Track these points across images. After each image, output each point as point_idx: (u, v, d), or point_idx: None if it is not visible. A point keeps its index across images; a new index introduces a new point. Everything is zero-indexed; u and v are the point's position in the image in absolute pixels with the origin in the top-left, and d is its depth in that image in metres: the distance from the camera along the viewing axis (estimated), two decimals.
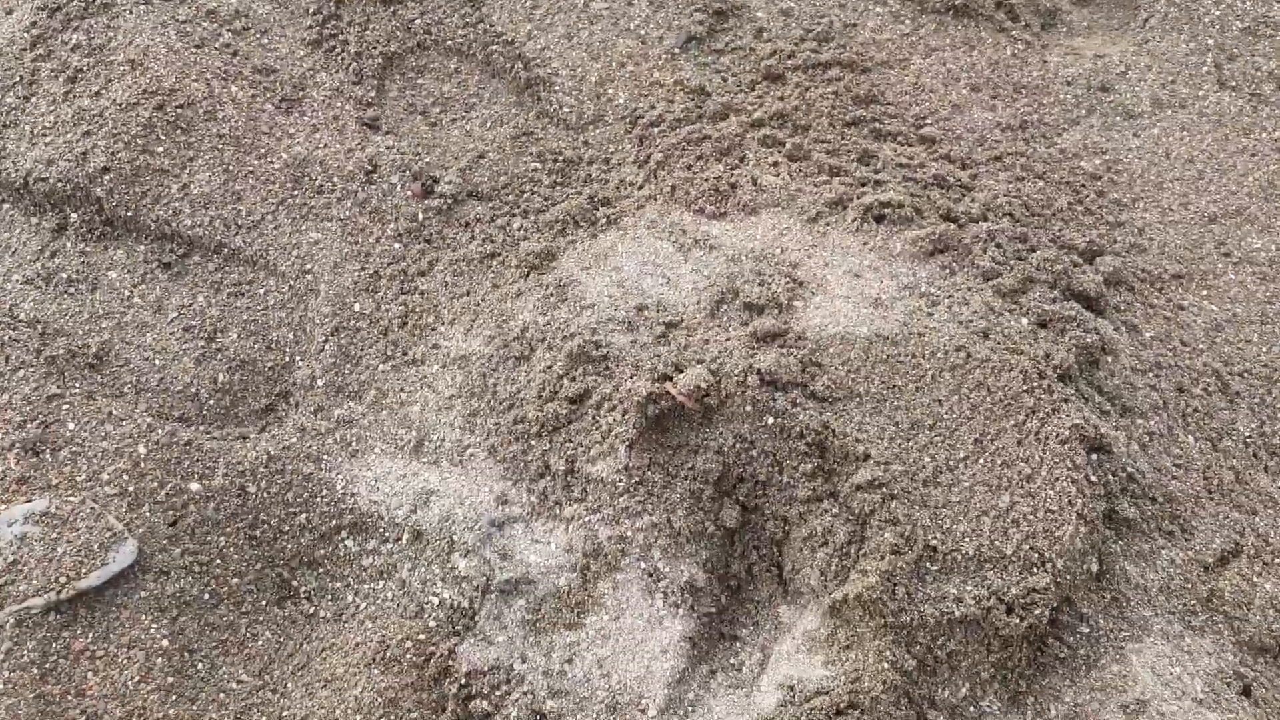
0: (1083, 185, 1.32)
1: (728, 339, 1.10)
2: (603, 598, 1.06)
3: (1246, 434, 1.15)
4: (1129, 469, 1.07)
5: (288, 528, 1.13)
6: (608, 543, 1.06)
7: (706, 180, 1.26)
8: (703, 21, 1.43)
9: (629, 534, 1.06)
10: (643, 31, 1.44)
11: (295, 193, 1.31)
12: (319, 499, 1.14)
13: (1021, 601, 0.96)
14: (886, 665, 0.96)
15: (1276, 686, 1.01)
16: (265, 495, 1.13)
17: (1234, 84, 1.39)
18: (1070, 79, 1.41)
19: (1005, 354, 1.08)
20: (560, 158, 1.35)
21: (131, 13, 1.41)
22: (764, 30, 1.43)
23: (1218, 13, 1.45)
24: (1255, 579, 1.05)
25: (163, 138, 1.31)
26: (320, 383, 1.21)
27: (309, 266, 1.27)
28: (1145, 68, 1.42)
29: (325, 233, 1.29)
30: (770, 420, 1.06)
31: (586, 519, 1.07)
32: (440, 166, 1.34)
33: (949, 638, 0.97)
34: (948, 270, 1.18)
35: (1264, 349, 1.21)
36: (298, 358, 1.24)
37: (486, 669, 1.03)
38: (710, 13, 1.44)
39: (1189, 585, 1.04)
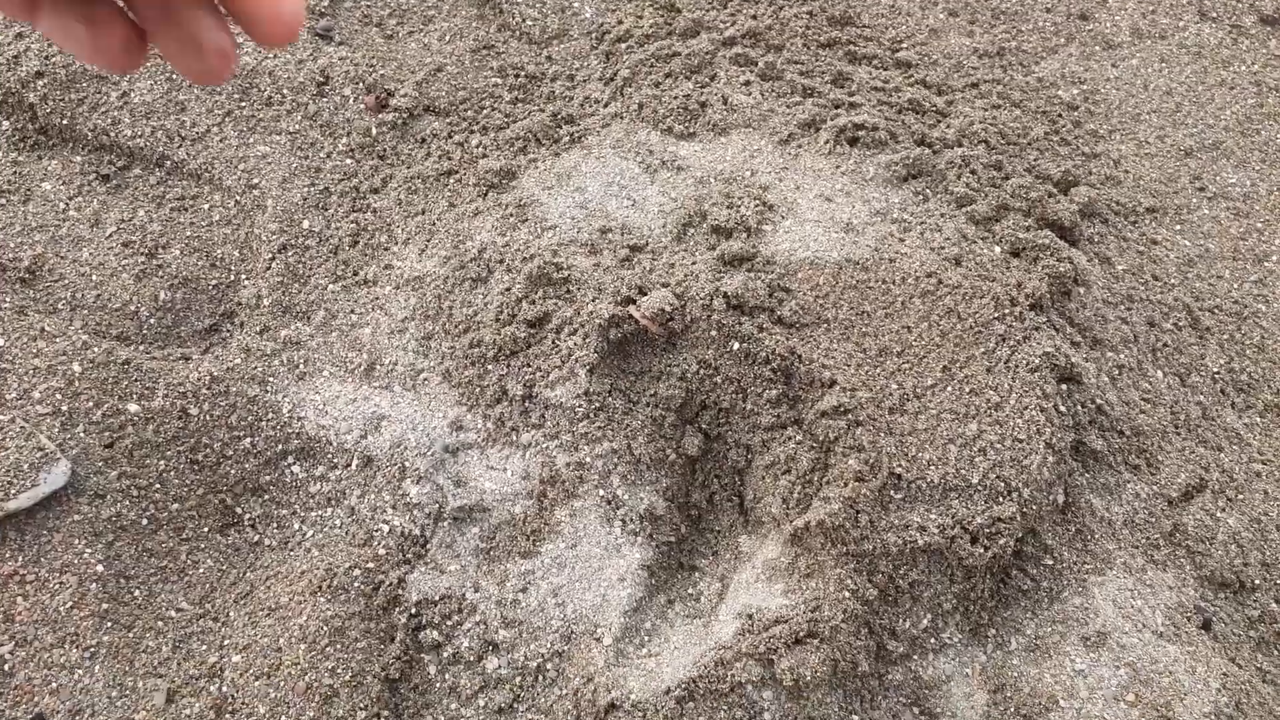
0: (1059, 115, 1.28)
1: (694, 263, 1.07)
2: (559, 525, 1.02)
3: (1215, 370, 1.13)
4: (1098, 401, 1.05)
5: (231, 452, 1.08)
6: (565, 469, 1.03)
7: (675, 99, 1.22)
8: None
9: (588, 460, 1.03)
10: None
11: (242, 104, 1.25)
12: (264, 423, 1.09)
13: (986, 531, 0.94)
14: (847, 594, 0.93)
15: (1235, 621, 1.00)
16: (208, 418, 1.09)
17: (1215, 15, 1.36)
18: (1049, 6, 1.37)
19: (977, 281, 1.05)
20: (522, 73, 1.29)
21: None
22: None
23: None
24: (1218, 514, 1.04)
25: None
26: (266, 302, 1.16)
27: (256, 181, 1.21)
28: None
29: (274, 146, 1.23)
30: (735, 345, 1.02)
31: (544, 445, 1.04)
32: (395, 79, 1.28)
33: (912, 567, 0.95)
34: (921, 196, 1.14)
35: (1235, 285, 1.19)
36: (243, 276, 1.18)
37: (438, 598, 1.00)
38: None
39: (1153, 519, 1.03)
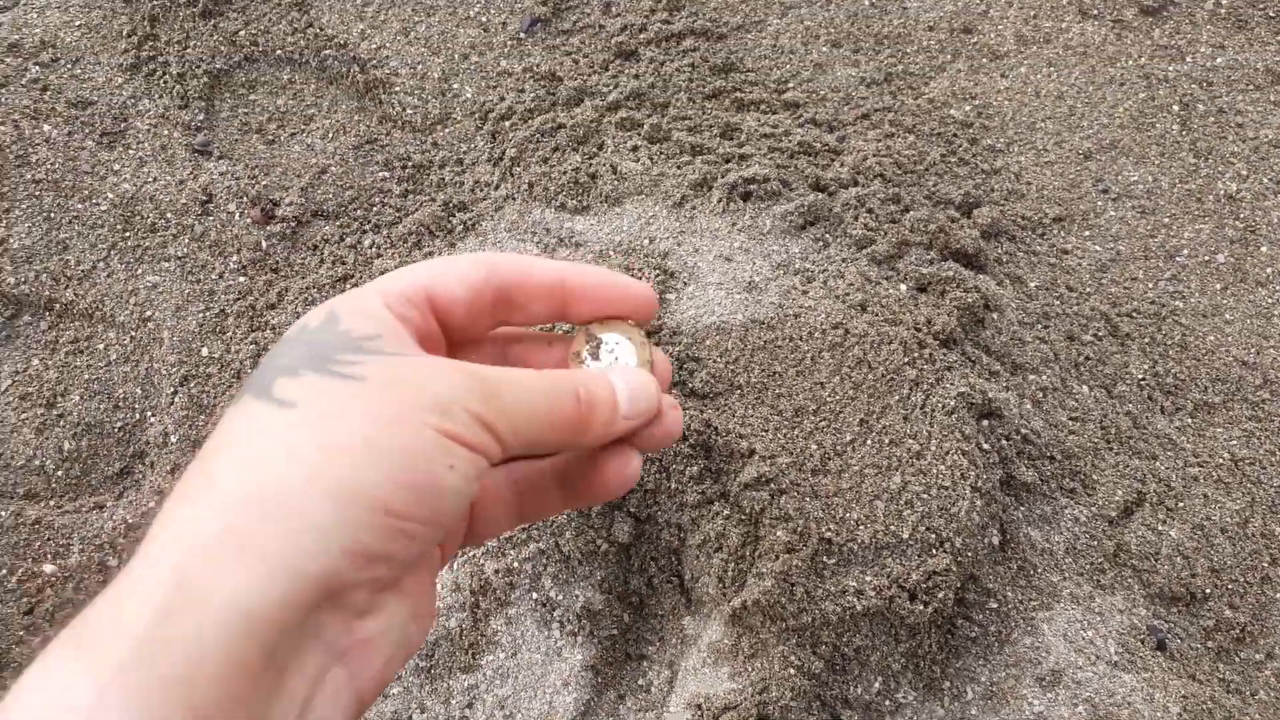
0: (954, 135, 1.27)
1: None
2: (496, 635, 0.99)
3: (1140, 376, 1.12)
4: (1023, 430, 1.04)
5: None
6: (495, 577, 1.00)
7: (565, 173, 1.19)
8: (546, 1, 1.35)
9: (516, 565, 1.00)
10: (484, 19, 1.35)
11: (126, 234, 1.21)
12: None
13: (924, 587, 0.92)
14: (793, 670, 0.91)
15: (1191, 634, 0.99)
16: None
17: (1095, 12, 1.36)
18: (932, 24, 1.36)
19: (884, 326, 1.03)
20: (409, 163, 1.27)
21: None
22: (612, 5, 1.35)
23: None
24: (1160, 527, 1.02)
25: None
26: (174, 438, 1.12)
27: (149, 313, 1.18)
28: (1006, 4, 1.37)
29: (163, 274, 1.19)
30: None
31: (470, 554, 1.01)
32: (281, 187, 1.25)
33: (855, 633, 0.93)
34: (820, 243, 1.13)
35: (1150, 285, 1.18)
36: (149, 413, 1.15)
37: None
38: None
39: (1095, 542, 1.02)
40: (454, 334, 0.56)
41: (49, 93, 1.29)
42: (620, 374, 0.57)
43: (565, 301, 0.58)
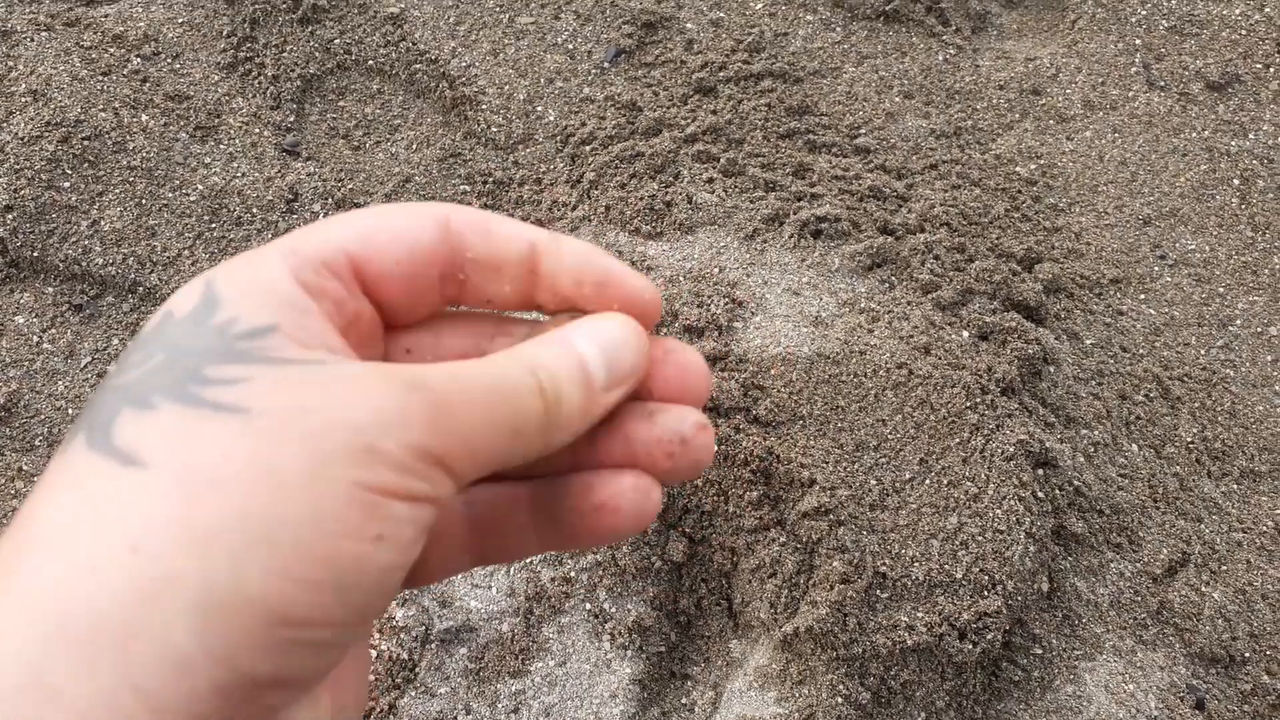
0: (1019, 191, 1.31)
1: None
2: (547, 642, 1.02)
3: (1189, 439, 1.14)
4: (1075, 482, 1.06)
5: None
6: (551, 584, 1.03)
7: (641, 199, 1.23)
8: (632, 34, 1.40)
9: (573, 575, 1.02)
10: (571, 46, 1.40)
11: (213, 225, 1.26)
12: None
13: (974, 626, 0.95)
14: (840, 699, 0.93)
15: (1229, 697, 1.00)
16: None
17: (1162, 84, 1.39)
18: (1002, 83, 1.40)
19: (947, 369, 1.06)
20: (490, 179, 1.31)
21: (33, 40, 1.34)
22: (694, 42, 1.40)
23: (1144, 12, 1.45)
24: (1203, 588, 1.04)
25: (69, 172, 1.24)
26: None
27: None
28: (1075, 70, 1.41)
29: None
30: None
31: (528, 561, 1.04)
32: (364, 193, 1.29)
33: (903, 667, 0.95)
34: (887, 284, 1.16)
35: (1202, 351, 1.21)
36: None
37: None
38: (639, 25, 1.41)
39: (1139, 598, 1.04)
40: (386, 316, 0.42)
41: (148, 84, 1.34)
42: (584, 331, 0.40)
43: (535, 278, 0.42)
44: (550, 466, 0.43)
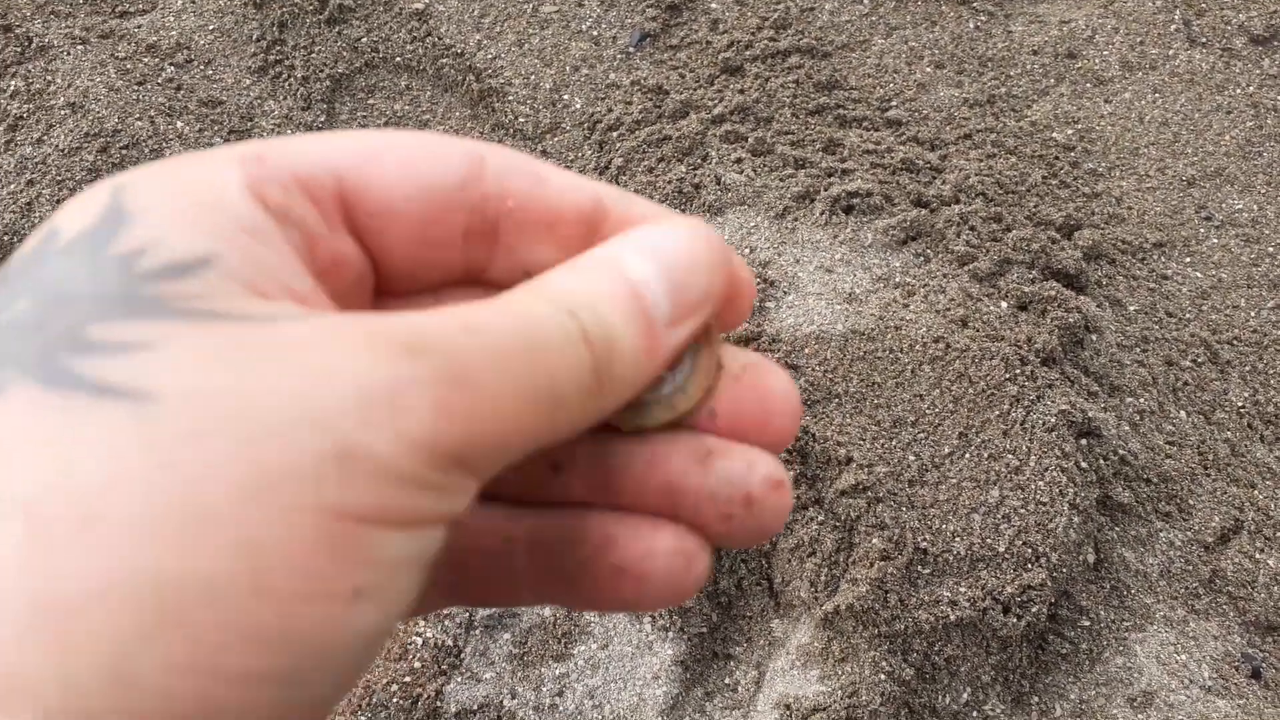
0: (1056, 158, 1.28)
1: None
2: (589, 626, 1.03)
3: (1239, 404, 1.11)
4: (1120, 451, 1.04)
5: None
6: None
7: (670, 182, 1.23)
8: (656, 17, 1.39)
9: None
10: (595, 32, 1.40)
11: None
12: None
13: (1018, 600, 0.93)
14: (883, 676, 0.93)
15: None
16: None
17: (1204, 40, 1.35)
18: (1036, 48, 1.37)
19: (985, 341, 1.04)
20: None
21: (69, 54, 1.37)
22: (719, 22, 1.39)
23: None
24: (1258, 555, 1.02)
25: None
26: None
27: None
28: (1112, 30, 1.38)
29: None
30: None
31: None
32: None
33: (946, 643, 0.94)
34: (922, 258, 1.14)
35: (1252, 314, 1.18)
36: None
37: (476, 707, 1.00)
38: (663, 7, 1.40)
39: (1190, 567, 1.01)
40: (381, 274, 0.30)
41: (182, 92, 1.36)
42: (635, 246, 0.29)
43: (595, 245, 0.30)
44: (560, 493, 0.31)
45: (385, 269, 0.30)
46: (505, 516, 0.31)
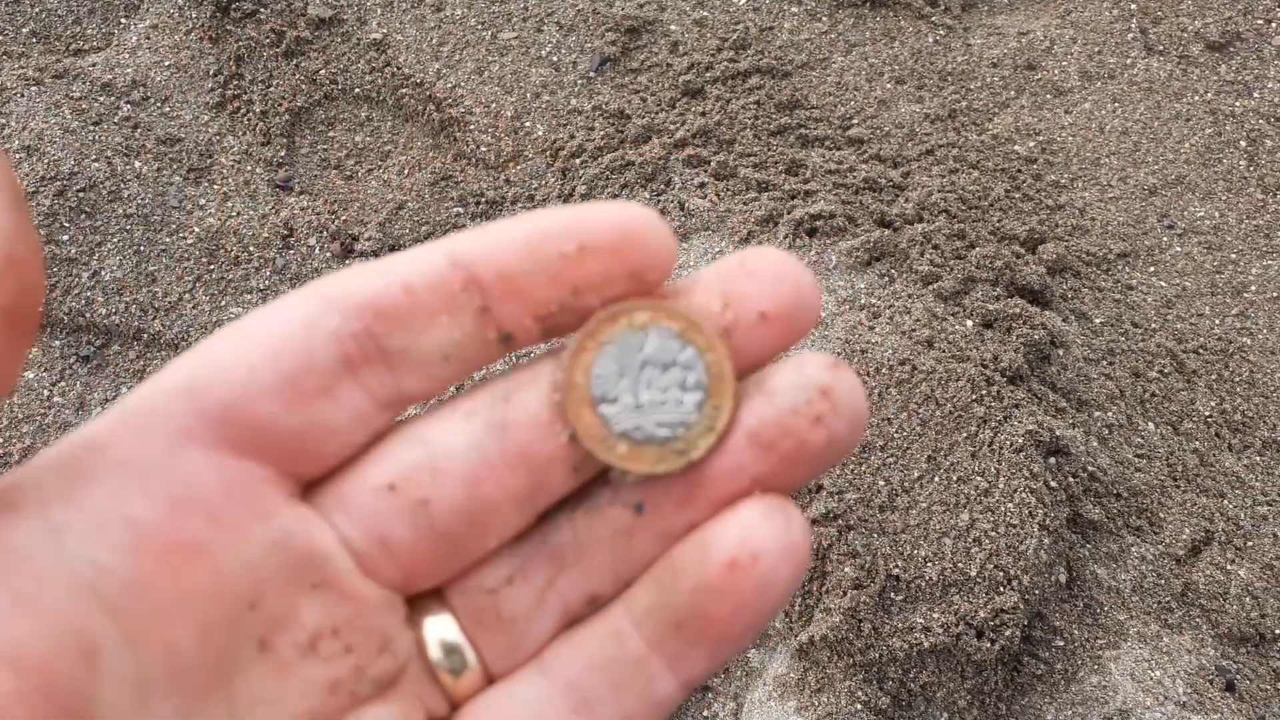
0: (1018, 170, 1.28)
1: None
2: None
3: (1207, 413, 1.12)
4: (1089, 468, 1.04)
5: None
6: None
7: None
8: (615, 41, 1.38)
9: None
10: (555, 58, 1.39)
11: (211, 267, 1.26)
12: None
13: (991, 624, 0.93)
14: (859, 705, 0.92)
15: (1260, 676, 0.98)
16: None
17: (1161, 48, 1.36)
18: (996, 60, 1.38)
19: (951, 362, 1.04)
20: (483, 199, 1.30)
21: (23, 95, 1.35)
22: (679, 44, 1.38)
23: None
24: (1229, 566, 1.02)
25: (67, 225, 1.26)
26: None
27: None
28: (1070, 40, 1.38)
29: (246, 306, 1.24)
30: None
31: None
32: (359, 222, 1.30)
33: (921, 669, 0.94)
34: (886, 278, 1.14)
35: (1216, 321, 1.18)
36: None
37: None
38: (623, 31, 1.40)
39: (1162, 581, 1.02)
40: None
41: (139, 130, 1.35)
42: None
43: (484, 299, 0.28)
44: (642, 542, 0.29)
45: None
46: (534, 549, 0.30)
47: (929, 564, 0.95)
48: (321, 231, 1.28)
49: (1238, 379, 1.14)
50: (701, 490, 0.29)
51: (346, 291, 0.29)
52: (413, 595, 0.31)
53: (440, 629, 0.30)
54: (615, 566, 0.30)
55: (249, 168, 1.33)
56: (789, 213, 1.18)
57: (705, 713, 1.02)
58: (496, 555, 0.30)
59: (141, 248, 1.26)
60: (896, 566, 0.95)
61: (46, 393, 1.21)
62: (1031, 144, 1.31)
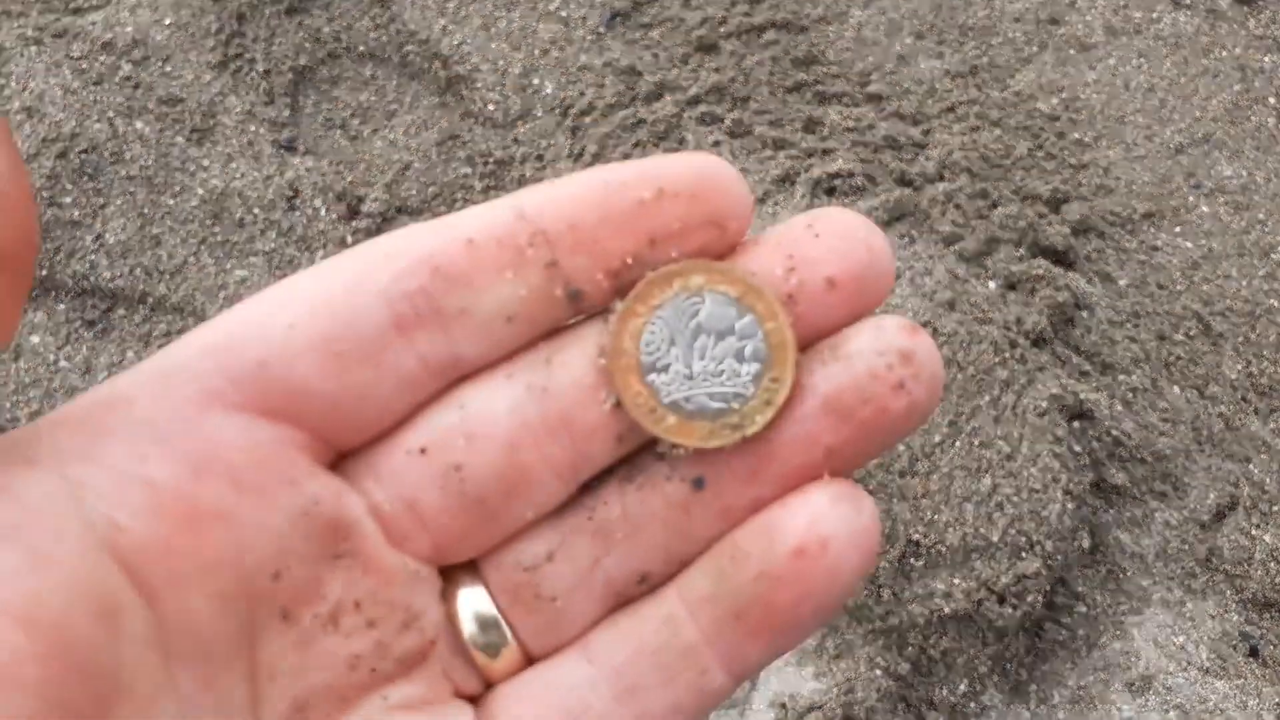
0: (1041, 129, 1.25)
1: None
2: None
3: (1233, 377, 1.09)
4: (1114, 432, 1.02)
5: None
6: None
7: None
8: None
9: None
10: (564, 13, 1.36)
11: (215, 230, 1.24)
12: None
13: (1013, 590, 0.92)
14: (879, 672, 0.91)
15: None
16: None
17: (1188, 2, 1.32)
18: (1018, 15, 1.34)
19: (973, 325, 1.02)
20: (491, 159, 1.28)
21: (22, 55, 1.32)
22: None
23: None
24: (1254, 531, 1.00)
25: (70, 187, 1.23)
26: None
27: None
28: None
29: (251, 269, 1.22)
30: None
31: None
32: (365, 183, 1.27)
33: (941, 636, 0.93)
34: (907, 239, 1.12)
35: (1244, 283, 1.15)
36: None
37: None
38: None
39: (1186, 546, 1.00)
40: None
41: (140, 90, 1.32)
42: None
43: (552, 253, 0.27)
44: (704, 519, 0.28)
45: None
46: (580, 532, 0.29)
47: (950, 529, 0.93)
48: (327, 192, 1.25)
49: (1265, 342, 1.12)
50: (768, 464, 0.27)
51: (403, 247, 0.27)
52: (445, 569, 0.29)
53: (476, 601, 0.29)
54: (669, 545, 0.28)
55: (252, 128, 1.30)
56: (806, 171, 1.15)
57: None
58: (535, 529, 0.29)
59: (145, 210, 1.24)
60: (917, 532, 0.93)
61: (52, 357, 1.20)
62: (1055, 101, 1.28)
